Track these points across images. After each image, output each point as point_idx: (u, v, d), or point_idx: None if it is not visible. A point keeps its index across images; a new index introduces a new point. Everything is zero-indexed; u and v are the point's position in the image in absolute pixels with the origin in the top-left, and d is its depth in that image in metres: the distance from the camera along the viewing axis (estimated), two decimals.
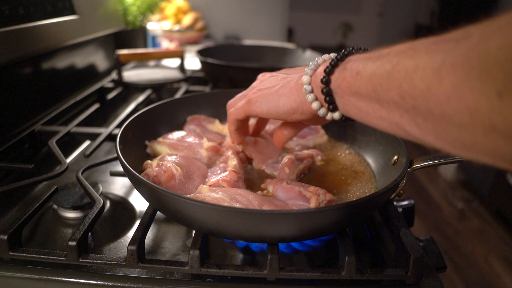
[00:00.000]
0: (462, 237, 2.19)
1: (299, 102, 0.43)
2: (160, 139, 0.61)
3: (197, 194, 0.46)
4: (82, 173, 0.57)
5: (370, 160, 0.61)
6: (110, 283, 0.42)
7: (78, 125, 0.75)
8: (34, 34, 0.74)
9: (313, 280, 0.43)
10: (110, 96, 0.99)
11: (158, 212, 0.48)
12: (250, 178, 0.57)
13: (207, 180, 0.53)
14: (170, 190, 0.43)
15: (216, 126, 0.70)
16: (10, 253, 0.42)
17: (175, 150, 0.59)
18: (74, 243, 0.41)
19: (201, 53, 1.13)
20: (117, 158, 0.47)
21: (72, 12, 0.89)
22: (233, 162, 0.54)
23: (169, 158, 0.53)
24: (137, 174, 0.43)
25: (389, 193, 0.46)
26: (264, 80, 0.50)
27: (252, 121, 0.63)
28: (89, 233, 0.45)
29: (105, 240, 0.52)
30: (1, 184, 0.62)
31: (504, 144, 0.22)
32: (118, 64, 1.00)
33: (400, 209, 0.60)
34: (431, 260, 0.50)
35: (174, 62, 1.35)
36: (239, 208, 0.41)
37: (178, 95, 0.93)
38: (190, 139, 0.61)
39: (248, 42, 1.88)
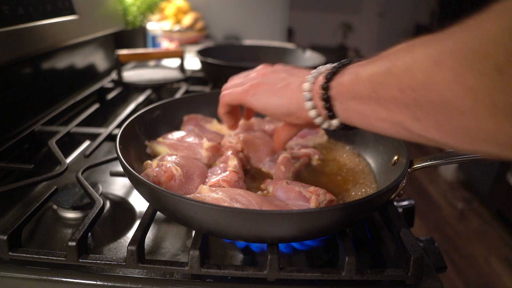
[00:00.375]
0: (462, 237, 2.19)
1: (297, 108, 0.42)
2: (160, 139, 0.61)
3: (197, 194, 0.46)
4: (82, 173, 0.57)
5: (370, 160, 0.61)
6: (110, 284, 0.42)
7: (78, 125, 0.75)
8: (34, 34, 0.74)
9: (313, 280, 0.43)
10: (110, 96, 0.99)
11: (158, 212, 0.48)
12: (250, 178, 0.56)
13: (207, 180, 0.53)
14: (170, 190, 0.43)
15: (214, 125, 0.70)
16: (10, 253, 0.42)
17: (175, 150, 0.59)
18: (74, 243, 0.41)
19: (201, 53, 1.13)
20: (117, 158, 0.47)
21: (72, 12, 0.89)
22: (233, 162, 0.54)
23: (169, 158, 0.53)
24: (137, 174, 0.43)
25: (389, 193, 0.46)
26: (265, 74, 0.50)
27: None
28: (89, 233, 0.45)
29: (105, 240, 0.52)
30: (1, 184, 0.62)
31: (508, 126, 0.22)
32: (118, 64, 1.00)
33: (400, 209, 0.60)
34: (431, 261, 0.50)
35: (174, 62, 1.35)
36: (239, 208, 0.41)
37: (178, 95, 0.93)
38: (190, 139, 0.61)
39: (248, 42, 1.88)
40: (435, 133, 0.27)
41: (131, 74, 1.08)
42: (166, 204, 0.41)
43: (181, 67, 1.10)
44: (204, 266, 0.41)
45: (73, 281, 0.42)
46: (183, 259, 0.48)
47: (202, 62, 1.04)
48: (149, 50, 1.08)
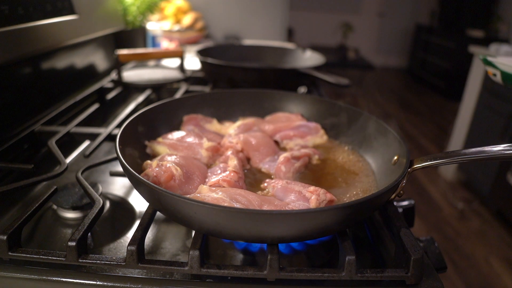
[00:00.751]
0: (462, 237, 2.19)
1: None
2: (160, 139, 0.61)
3: (197, 194, 0.46)
4: (81, 173, 0.57)
5: (371, 160, 0.61)
6: (109, 284, 0.42)
7: (78, 125, 0.75)
8: (34, 34, 0.74)
9: (313, 280, 0.43)
10: (110, 96, 0.99)
11: (158, 212, 0.48)
12: (250, 178, 0.56)
13: (207, 180, 0.52)
14: (170, 190, 0.43)
15: (214, 125, 0.70)
16: (10, 253, 0.42)
17: (175, 150, 0.59)
18: (73, 244, 0.41)
19: (201, 53, 1.13)
20: (117, 158, 0.47)
21: (71, 12, 0.89)
22: (233, 162, 0.54)
23: (169, 158, 0.53)
24: (137, 174, 0.42)
25: (389, 193, 0.46)
26: None
27: (250, 119, 0.63)
28: (89, 234, 0.45)
29: (104, 240, 0.52)
30: (1, 184, 0.62)
31: None
32: (118, 64, 1.00)
33: (400, 210, 0.60)
34: (431, 261, 0.50)
35: (174, 62, 1.35)
36: (239, 208, 0.41)
37: (178, 95, 0.93)
38: (190, 139, 0.61)
39: (248, 42, 1.88)
40: None
41: (131, 74, 1.08)
42: (166, 204, 0.41)
43: (181, 67, 1.10)
44: (204, 266, 0.41)
45: (73, 281, 0.42)
46: (183, 259, 0.48)
47: (202, 62, 1.04)
48: (149, 50, 1.08)
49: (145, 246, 0.45)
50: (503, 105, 2.27)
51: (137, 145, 0.58)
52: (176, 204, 0.39)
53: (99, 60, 1.13)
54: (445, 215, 2.41)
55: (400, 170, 0.47)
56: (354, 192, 0.53)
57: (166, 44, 1.79)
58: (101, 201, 0.49)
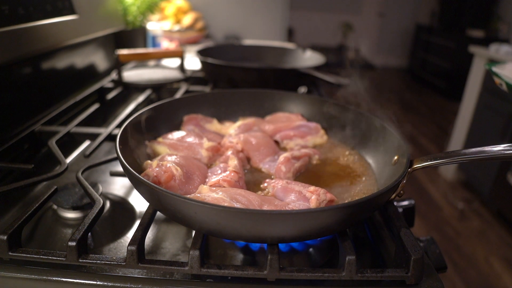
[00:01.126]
0: (463, 237, 2.19)
1: None
2: (160, 139, 0.61)
3: (197, 194, 0.46)
4: (82, 173, 0.57)
5: (371, 160, 0.61)
6: (110, 284, 0.42)
7: (78, 125, 0.75)
8: (34, 34, 0.74)
9: (313, 280, 0.43)
10: (110, 96, 0.99)
11: (158, 212, 0.48)
12: (250, 178, 0.56)
13: (207, 180, 0.52)
14: (170, 190, 0.43)
15: (214, 125, 0.70)
16: (10, 253, 0.42)
17: (175, 150, 0.59)
18: (74, 243, 0.41)
19: (201, 53, 1.13)
20: (117, 158, 0.47)
21: (71, 12, 0.89)
22: (233, 162, 0.54)
23: (169, 158, 0.53)
24: (137, 174, 0.42)
25: (390, 193, 0.46)
26: None
27: (250, 119, 0.63)
28: (89, 234, 0.45)
29: (105, 240, 0.52)
30: (1, 184, 0.62)
31: None
32: (118, 64, 1.00)
33: (400, 209, 0.60)
34: (432, 261, 0.50)
35: (174, 62, 1.35)
36: (239, 208, 0.41)
37: (178, 95, 0.93)
38: (190, 139, 0.61)
39: (248, 42, 1.88)
40: None
41: (131, 74, 1.08)
42: (166, 204, 0.41)
43: (181, 67, 1.10)
44: (204, 266, 0.41)
45: (73, 281, 0.42)
46: (183, 259, 0.48)
47: (202, 62, 1.04)
48: (149, 50, 1.08)
49: (145, 246, 0.45)
50: (503, 105, 2.27)
51: (137, 145, 0.58)
52: (176, 204, 0.39)
53: (99, 60, 1.13)
54: (445, 215, 2.41)
55: (400, 170, 0.47)
56: (354, 192, 0.53)
57: (166, 44, 1.79)
58: (101, 201, 0.49)
